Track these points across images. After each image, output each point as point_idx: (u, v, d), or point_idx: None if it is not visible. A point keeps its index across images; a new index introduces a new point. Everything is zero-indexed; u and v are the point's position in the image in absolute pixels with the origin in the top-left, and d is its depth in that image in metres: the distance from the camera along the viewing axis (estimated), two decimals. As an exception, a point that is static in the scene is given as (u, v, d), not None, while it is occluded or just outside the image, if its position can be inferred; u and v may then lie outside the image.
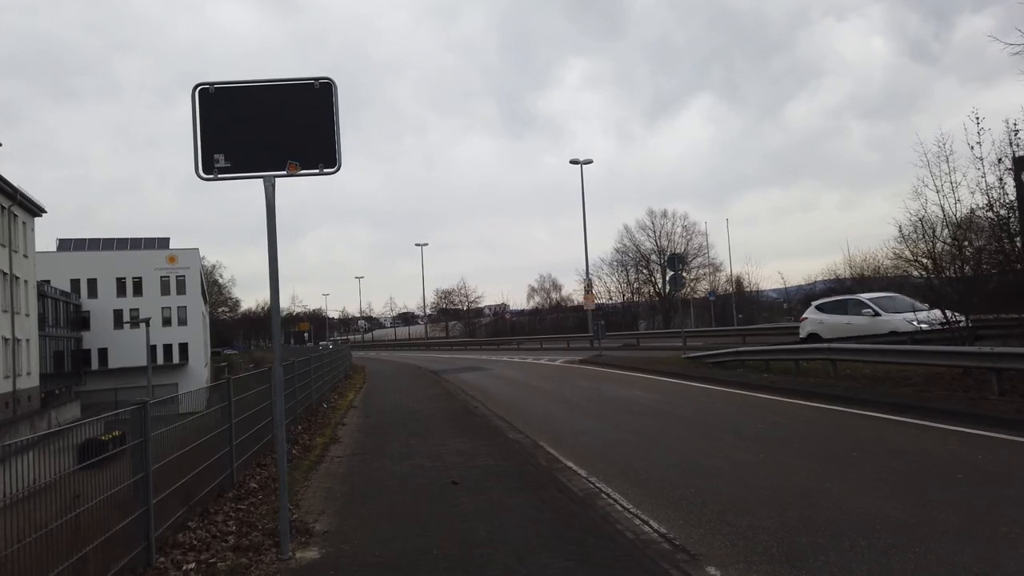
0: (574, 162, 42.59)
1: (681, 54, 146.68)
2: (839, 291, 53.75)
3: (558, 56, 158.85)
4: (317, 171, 5.46)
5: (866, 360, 14.41)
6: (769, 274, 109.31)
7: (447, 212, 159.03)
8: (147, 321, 39.62)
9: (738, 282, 66.63)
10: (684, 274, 24.25)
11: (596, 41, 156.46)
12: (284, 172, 5.41)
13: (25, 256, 45.05)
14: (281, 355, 5.78)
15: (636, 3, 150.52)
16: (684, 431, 10.95)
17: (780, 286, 65.36)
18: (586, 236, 44.30)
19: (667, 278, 26.77)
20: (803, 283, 60.22)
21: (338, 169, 5.45)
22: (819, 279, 56.83)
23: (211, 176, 5.36)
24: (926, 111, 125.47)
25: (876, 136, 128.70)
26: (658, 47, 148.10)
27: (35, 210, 46.93)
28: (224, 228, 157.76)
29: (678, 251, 74.00)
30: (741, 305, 63.40)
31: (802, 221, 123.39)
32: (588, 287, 43.02)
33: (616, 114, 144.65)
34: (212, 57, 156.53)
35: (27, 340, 44.25)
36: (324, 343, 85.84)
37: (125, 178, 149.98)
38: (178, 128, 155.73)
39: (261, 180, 5.41)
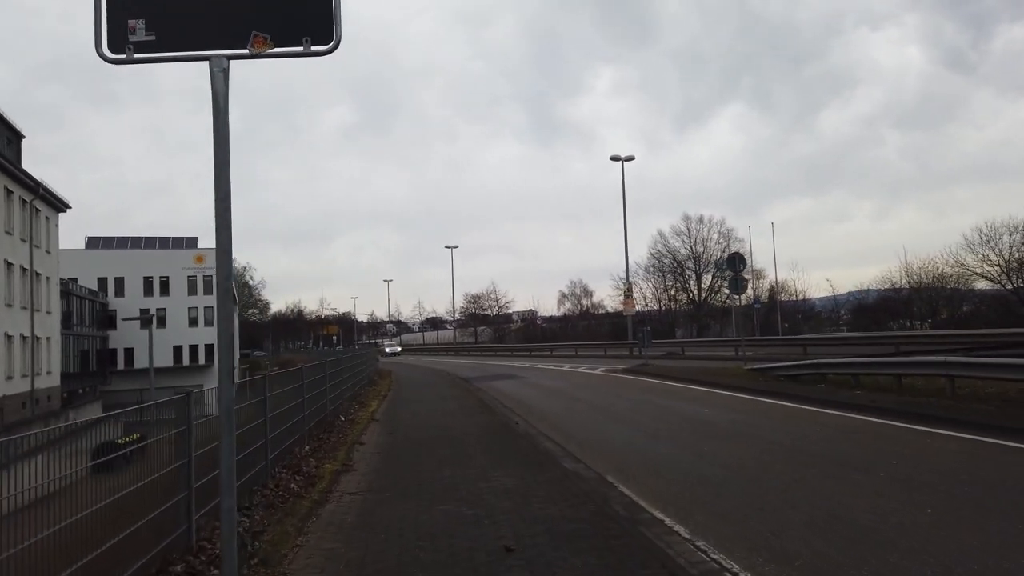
0: (615, 158, 40.23)
1: (711, 62, 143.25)
2: (895, 300, 50.90)
3: (587, 63, 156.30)
4: (301, 49, 3.28)
5: (995, 377, 11.82)
6: (816, 281, 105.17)
7: (475, 217, 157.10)
8: (151, 319, 37.78)
9: (782, 289, 63.32)
10: (745, 276, 21.66)
11: (625, 49, 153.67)
12: (245, 50, 3.22)
13: (48, 252, 43.86)
14: (229, 362, 3.55)
15: (666, 11, 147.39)
16: (793, 466, 8.51)
17: (828, 294, 62.19)
18: (626, 237, 41.62)
19: (727, 280, 24.23)
20: (853, 290, 56.90)
21: (335, 47, 3.25)
22: (872, 287, 53.58)
23: (122, 56, 3.18)
24: (962, 120, 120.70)
25: (910, 145, 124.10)
26: (687, 55, 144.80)
27: (59, 205, 45.77)
28: (255, 230, 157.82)
29: (715, 257, 71.68)
30: (786, 313, 60.14)
31: (834, 230, 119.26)
32: (628, 292, 40.58)
33: (644, 121, 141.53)
34: (244, 60, 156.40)
35: (48, 338, 43.00)
36: (393, 347, 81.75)
37: (159, 180, 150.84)
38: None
39: (208, 66, 3.20)
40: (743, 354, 23.22)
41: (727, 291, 68.79)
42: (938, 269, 47.39)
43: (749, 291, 66.66)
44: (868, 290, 54.10)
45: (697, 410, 14.46)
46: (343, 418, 13.81)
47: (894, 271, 51.56)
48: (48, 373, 43.20)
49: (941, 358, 12.77)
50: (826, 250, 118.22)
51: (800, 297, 63.41)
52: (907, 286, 49.56)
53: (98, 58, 3.31)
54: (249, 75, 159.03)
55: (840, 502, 6.72)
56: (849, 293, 57.89)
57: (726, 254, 69.69)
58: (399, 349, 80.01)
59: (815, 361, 16.39)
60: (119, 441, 5.12)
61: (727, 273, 67.68)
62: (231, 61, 3.38)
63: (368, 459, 9.71)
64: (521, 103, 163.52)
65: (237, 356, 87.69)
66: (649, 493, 7.50)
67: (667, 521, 6.38)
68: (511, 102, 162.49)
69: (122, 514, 4.31)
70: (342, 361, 15.66)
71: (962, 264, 44.82)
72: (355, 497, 7.38)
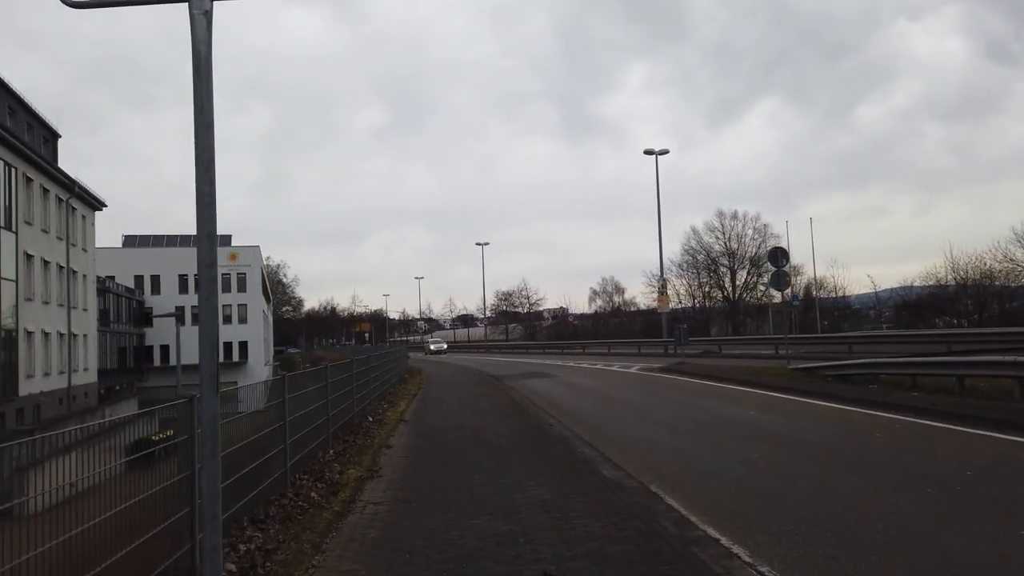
0: (648, 152, 39.31)
1: (744, 56, 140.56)
2: (941, 296, 49.05)
3: (618, 59, 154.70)
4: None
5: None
6: (857, 277, 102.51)
7: (505, 215, 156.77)
8: (181, 315, 37.87)
9: (820, 286, 61.57)
10: (787, 270, 20.74)
11: (657, 44, 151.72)
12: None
13: (84, 250, 44.34)
14: (214, 365, 2.98)
15: (698, 5, 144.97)
16: (859, 478, 7.75)
17: (868, 290, 60.36)
18: (660, 232, 40.06)
19: (767, 276, 23.28)
20: (896, 287, 55.02)
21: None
22: (916, 283, 51.74)
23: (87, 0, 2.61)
24: (1006, 113, 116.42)
25: (952, 139, 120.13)
26: (721, 49, 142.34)
27: (95, 204, 46.24)
28: (288, 230, 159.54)
29: (750, 254, 70.05)
30: (824, 311, 58.46)
31: (872, 225, 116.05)
32: (663, 288, 39.66)
33: (677, 117, 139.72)
34: (279, 64, 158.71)
35: (84, 336, 43.47)
36: (438, 344, 75.28)
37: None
38: (247, 133, 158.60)
39: (187, 9, 2.63)
40: (786, 352, 22.26)
41: (766, 287, 67.66)
42: (985, 264, 45.67)
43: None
44: (912, 286, 52.39)
45: (741, 412, 13.68)
46: (371, 419, 13.32)
47: (939, 267, 49.76)
48: (85, 370, 43.69)
49: (1011, 358, 11.82)
50: (864, 246, 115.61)
51: (839, 294, 61.68)
52: (953, 282, 47.78)
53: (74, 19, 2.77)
54: (281, 78, 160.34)
55: (921, 523, 5.97)
56: (891, 290, 56.09)
57: (761, 250, 68.29)
58: (444, 347, 71.73)
59: (867, 360, 15.46)
60: (153, 438, 5.12)
61: (764, 268, 66.27)
62: (215, 3, 2.79)
63: (395, 464, 9.17)
64: (552, 100, 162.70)
65: (271, 353, 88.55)
66: (699, 506, 6.82)
67: (723, 541, 5.71)
68: (542, 99, 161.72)
69: (116, 533, 3.81)
70: (370, 359, 15.17)
71: (1011, 259, 43.14)
72: (379, 508, 6.82)
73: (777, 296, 67.24)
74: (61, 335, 39.00)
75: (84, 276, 43.95)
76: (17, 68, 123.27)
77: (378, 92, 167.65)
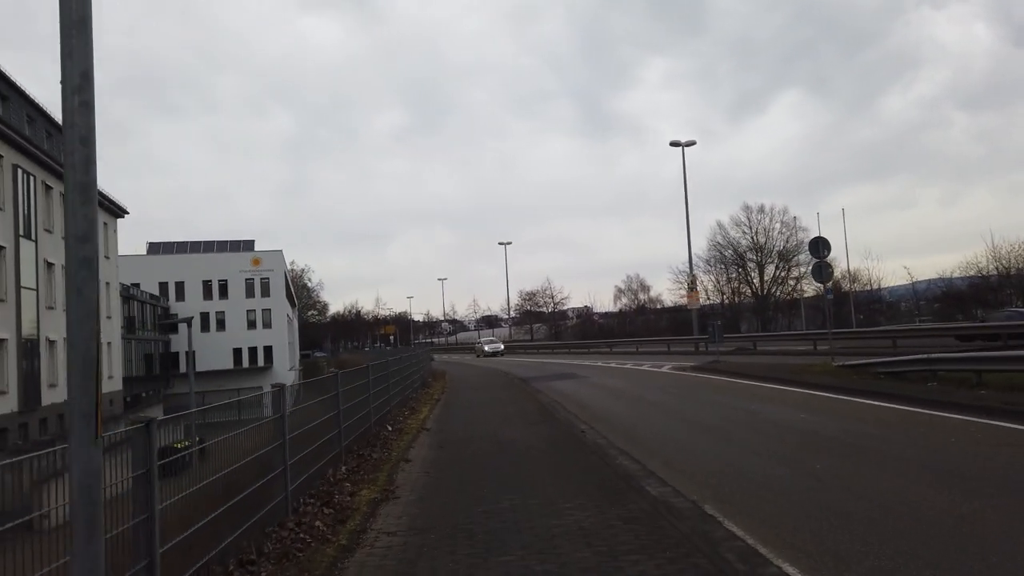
0: (675, 144, 38.06)
1: (765, 48, 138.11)
2: (983, 287, 47.09)
3: (637, 55, 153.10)
4: None
5: None
6: (893, 269, 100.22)
7: (527, 214, 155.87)
8: (189, 321, 37.51)
9: (854, 279, 59.65)
10: (828, 261, 19.53)
11: (676, 39, 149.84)
12: None
13: (107, 257, 44.20)
14: (91, 397, 2.04)
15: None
16: (952, 497, 6.65)
17: (903, 282, 58.38)
18: (688, 225, 38.55)
19: (809, 267, 22.06)
20: (934, 277, 53.00)
21: None
22: (956, 274, 49.77)
23: None
24: None
25: (979, 127, 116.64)
26: (741, 42, 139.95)
27: (117, 211, 46.14)
28: (311, 233, 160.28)
29: (778, 247, 68.20)
30: (858, 304, 56.57)
31: (898, 217, 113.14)
32: (692, 284, 38.40)
33: (697, 113, 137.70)
34: (301, 69, 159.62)
35: (108, 343, 43.30)
36: (494, 344, 61.83)
37: (220, 186, 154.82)
38: (270, 139, 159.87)
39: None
40: (829, 349, 21.00)
41: (796, 281, 65.83)
42: (1032, 254, 43.75)
43: (813, 283, 63.42)
44: (951, 278, 50.41)
45: (792, 415, 12.56)
46: (390, 428, 12.42)
47: (979, 256, 47.81)
48: (110, 378, 43.52)
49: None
50: (890, 238, 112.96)
51: (874, 287, 59.74)
52: (996, 272, 45.88)
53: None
54: (302, 84, 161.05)
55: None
56: (929, 281, 54.05)
57: (790, 244, 66.65)
58: (501, 347, 58.91)
59: (925, 356, 14.23)
60: (177, 445, 5.04)
61: (794, 262, 64.33)
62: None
63: (414, 482, 8.23)
64: (571, 98, 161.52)
65: (297, 357, 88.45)
66: (766, 533, 5.80)
67: (809, 584, 4.68)
68: (561, 97, 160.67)
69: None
70: (389, 364, 14.27)
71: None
72: (393, 540, 5.88)
73: (809, 290, 65.68)
74: (84, 343, 38.79)
75: (107, 283, 43.79)
76: (43, 79, 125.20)
77: (398, 94, 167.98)
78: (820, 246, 19.39)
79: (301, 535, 5.71)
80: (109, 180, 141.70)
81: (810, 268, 20.68)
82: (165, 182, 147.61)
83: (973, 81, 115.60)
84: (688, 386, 19.54)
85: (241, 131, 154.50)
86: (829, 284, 22.58)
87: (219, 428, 5.78)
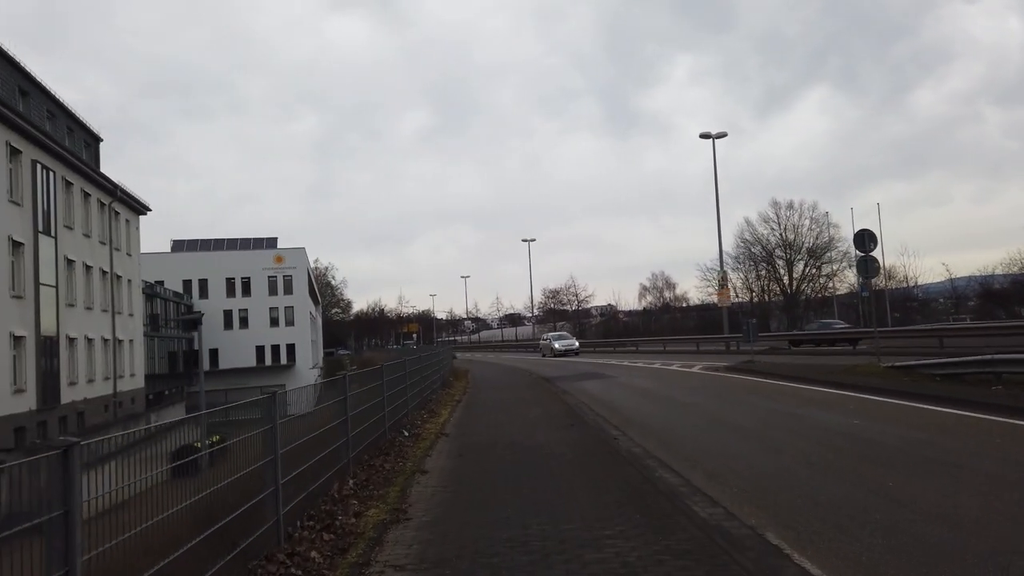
0: (704, 136, 36.84)
1: (793, 44, 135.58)
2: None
3: (663, 52, 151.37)
4: None
5: None
6: (930, 266, 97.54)
7: (552, 212, 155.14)
8: (199, 317, 37.13)
9: (890, 276, 57.74)
10: (874, 255, 18.32)
11: (703, 35, 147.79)
12: None
13: (129, 255, 43.97)
14: None
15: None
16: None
17: (941, 279, 56.43)
18: (719, 220, 36.52)
19: (855, 263, 20.84)
20: (976, 274, 51.03)
21: None
22: (998, 271, 47.86)
23: None
24: None
25: (1015, 122, 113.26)
26: (768, 37, 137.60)
27: (139, 208, 45.90)
28: (338, 233, 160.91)
29: (807, 244, 66.28)
30: (894, 302, 54.76)
31: (931, 214, 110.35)
32: (723, 281, 37.22)
33: (724, 109, 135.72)
34: (328, 71, 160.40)
35: (130, 341, 43.07)
36: (565, 341, 51.69)
37: (248, 188, 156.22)
38: (297, 140, 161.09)
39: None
40: (876, 348, 19.76)
41: (828, 277, 64.02)
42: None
43: (853, 278, 61.68)
44: (992, 275, 48.52)
45: (844, 421, 11.47)
46: (406, 433, 11.54)
47: (1024, 252, 45.89)
48: (132, 375, 43.30)
49: None
50: (923, 235, 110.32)
51: (911, 283, 57.85)
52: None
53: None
54: (332, 81, 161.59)
55: None
56: (970, 278, 52.17)
57: (820, 240, 64.93)
58: (576, 345, 47.84)
59: (989, 357, 13.04)
60: (197, 444, 4.98)
61: (826, 259, 62.52)
62: None
63: (428, 499, 7.32)
64: (596, 96, 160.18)
65: (320, 355, 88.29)
66: (850, 573, 4.80)
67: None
68: (586, 96, 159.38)
69: None
70: (407, 364, 13.38)
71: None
72: (400, 576, 4.98)
73: (842, 288, 63.76)
74: (105, 341, 38.51)
75: (129, 281, 43.55)
76: (76, 84, 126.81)
77: (424, 95, 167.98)
78: (866, 239, 18.17)
79: (292, 570, 4.82)
80: (138, 179, 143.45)
81: (855, 262, 19.42)
82: (195, 183, 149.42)
83: (1007, 75, 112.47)
84: (724, 388, 18.45)
85: (269, 133, 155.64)
86: (870, 281, 21.36)
87: (242, 426, 5.62)
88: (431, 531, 6.06)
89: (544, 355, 48.13)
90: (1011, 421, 10.36)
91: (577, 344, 48.24)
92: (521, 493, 7.39)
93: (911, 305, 56.76)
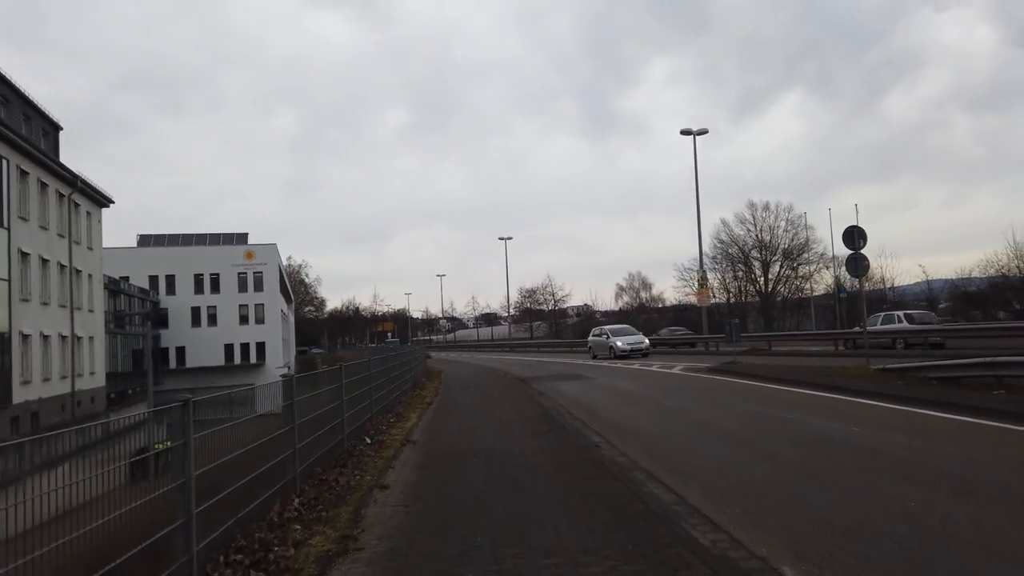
0: (686, 132, 36.19)
1: (769, 48, 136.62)
2: (1003, 285, 45.18)
3: (642, 54, 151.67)
4: None
5: None
6: (907, 268, 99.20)
7: (531, 212, 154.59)
8: (150, 313, 35.78)
9: (867, 277, 57.52)
10: (865, 253, 17.66)
11: (681, 37, 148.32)
12: None
13: (90, 248, 42.22)
14: None
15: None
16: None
17: (917, 280, 56.42)
18: (699, 218, 35.24)
19: (844, 261, 20.20)
20: (954, 277, 50.99)
21: None
22: (975, 274, 47.78)
23: None
24: None
25: (983, 129, 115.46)
26: (745, 42, 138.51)
27: (101, 200, 44.12)
28: (316, 230, 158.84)
29: (783, 245, 66.12)
30: (870, 303, 54.61)
31: (901, 219, 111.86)
32: (702, 280, 36.55)
33: (701, 111, 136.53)
34: (308, 68, 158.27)
35: (90, 338, 41.36)
36: (631, 338, 38.65)
37: (226, 183, 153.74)
38: (275, 136, 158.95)
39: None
40: (860, 347, 19.10)
41: (803, 279, 63.87)
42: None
43: (829, 280, 61.55)
44: (970, 277, 48.50)
45: (841, 428, 10.67)
46: (368, 440, 10.50)
47: (1000, 254, 45.88)
48: (92, 374, 41.60)
49: None
50: (894, 238, 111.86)
51: (888, 285, 57.79)
52: (1019, 271, 43.92)
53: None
54: (312, 78, 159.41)
55: None
56: (947, 280, 52.14)
57: (795, 242, 64.80)
58: (646, 343, 35.83)
59: (990, 359, 12.34)
60: (156, 446, 4.69)
61: (802, 259, 62.35)
62: None
63: (386, 521, 6.31)
64: (575, 97, 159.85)
65: (292, 353, 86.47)
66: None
67: None
68: (565, 96, 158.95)
69: None
70: (372, 365, 12.34)
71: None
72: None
73: (819, 288, 63.61)
74: (63, 337, 36.86)
75: (90, 275, 41.82)
76: (51, 78, 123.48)
77: (404, 93, 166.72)
78: (855, 236, 17.47)
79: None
80: (114, 173, 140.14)
81: (845, 261, 18.75)
82: (171, 179, 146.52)
83: (976, 83, 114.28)
84: (707, 390, 17.65)
85: (246, 128, 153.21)
86: (862, 280, 20.75)
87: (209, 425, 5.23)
88: (384, 566, 5.06)
89: (596, 357, 36.80)
90: (1018, 428, 9.61)
91: (647, 342, 35.73)
92: (494, 515, 6.42)
93: (888, 307, 56.63)
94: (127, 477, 4.16)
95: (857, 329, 28.27)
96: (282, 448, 6.55)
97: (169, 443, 4.58)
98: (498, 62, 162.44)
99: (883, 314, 30.76)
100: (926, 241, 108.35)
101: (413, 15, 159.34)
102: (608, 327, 39.35)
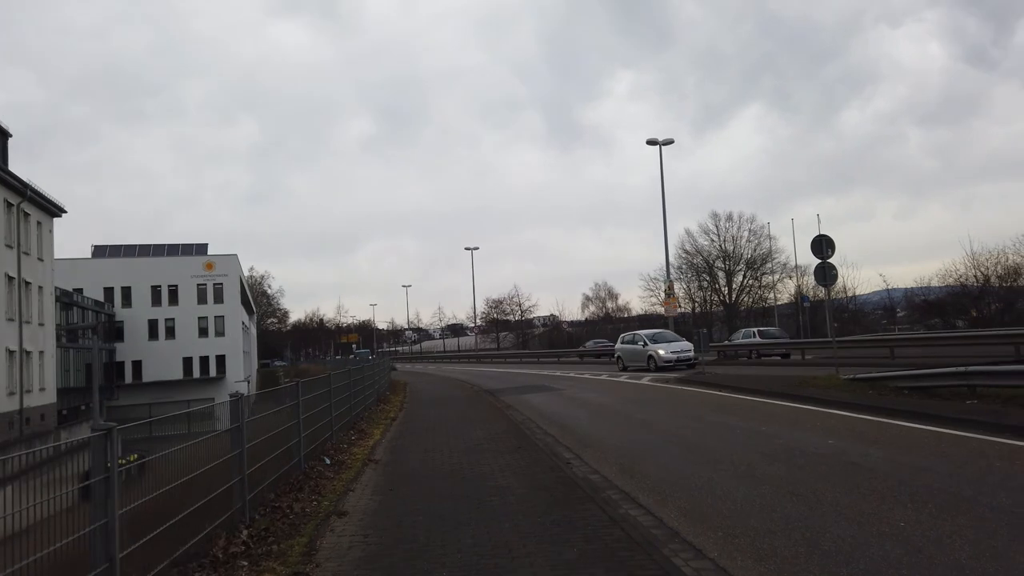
0: (651, 142, 36.17)
1: (729, 63, 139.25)
2: (961, 293, 46.11)
3: (605, 68, 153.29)
4: None
5: None
6: (867, 277, 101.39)
7: (497, 223, 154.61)
8: (96, 327, 34.67)
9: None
10: (832, 262, 17.59)
11: (644, 52, 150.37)
12: None
13: (40, 259, 40.64)
14: None
15: (683, 13, 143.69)
16: None
17: (876, 290, 57.34)
18: (666, 227, 34.75)
19: (813, 269, 20.12)
20: (914, 286, 51.86)
21: None
22: (934, 282, 48.64)
23: None
24: (986, 116, 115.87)
25: (934, 142, 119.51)
26: (706, 57, 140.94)
27: (53, 210, 42.55)
28: (279, 240, 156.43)
29: (746, 255, 66.87)
30: (833, 312, 55.23)
31: (857, 230, 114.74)
32: (669, 290, 36.48)
33: (664, 124, 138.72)
34: (269, 76, 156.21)
35: (40, 352, 39.74)
36: (675, 345, 35.24)
37: (185, 192, 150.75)
38: (236, 145, 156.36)
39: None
40: (833, 357, 19.01)
41: (766, 288, 64.53)
42: (1008, 260, 42.88)
43: (791, 288, 62.32)
44: (930, 286, 49.35)
45: (817, 441, 10.40)
46: (327, 461, 9.91)
47: (958, 264, 46.79)
48: (42, 390, 39.97)
49: None
50: (854, 249, 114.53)
51: (850, 295, 58.56)
52: (975, 280, 44.85)
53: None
54: (274, 87, 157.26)
55: None
56: (907, 289, 53.03)
57: (758, 252, 65.57)
58: (691, 351, 29.08)
59: (963, 369, 12.23)
60: (121, 462, 4.23)
61: (765, 269, 62.97)
62: None
63: (343, 555, 5.78)
64: (541, 109, 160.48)
65: (254, 366, 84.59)
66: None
67: None
68: (531, 108, 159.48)
69: None
70: (332, 380, 11.74)
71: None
72: None
73: (783, 298, 64.32)
74: (10, 352, 35.32)
75: (40, 287, 40.23)
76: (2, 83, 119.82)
77: (369, 103, 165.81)
78: (824, 245, 17.39)
79: None
80: (67, 183, 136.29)
81: (814, 270, 18.67)
82: (129, 188, 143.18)
83: (928, 98, 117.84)
84: (678, 402, 17.35)
85: (206, 137, 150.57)
86: (808, 293, 20.74)
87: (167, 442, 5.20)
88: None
89: (626, 368, 31.08)
90: (1004, 441, 9.42)
91: (692, 351, 29.02)
92: (461, 546, 5.93)
93: (844, 316, 57.38)
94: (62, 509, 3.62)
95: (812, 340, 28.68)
96: (229, 475, 5.98)
97: (132, 457, 4.19)
98: (463, 72, 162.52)
99: (743, 330, 39.38)
100: (884, 251, 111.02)
101: (377, 25, 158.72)
102: (644, 332, 32.82)
